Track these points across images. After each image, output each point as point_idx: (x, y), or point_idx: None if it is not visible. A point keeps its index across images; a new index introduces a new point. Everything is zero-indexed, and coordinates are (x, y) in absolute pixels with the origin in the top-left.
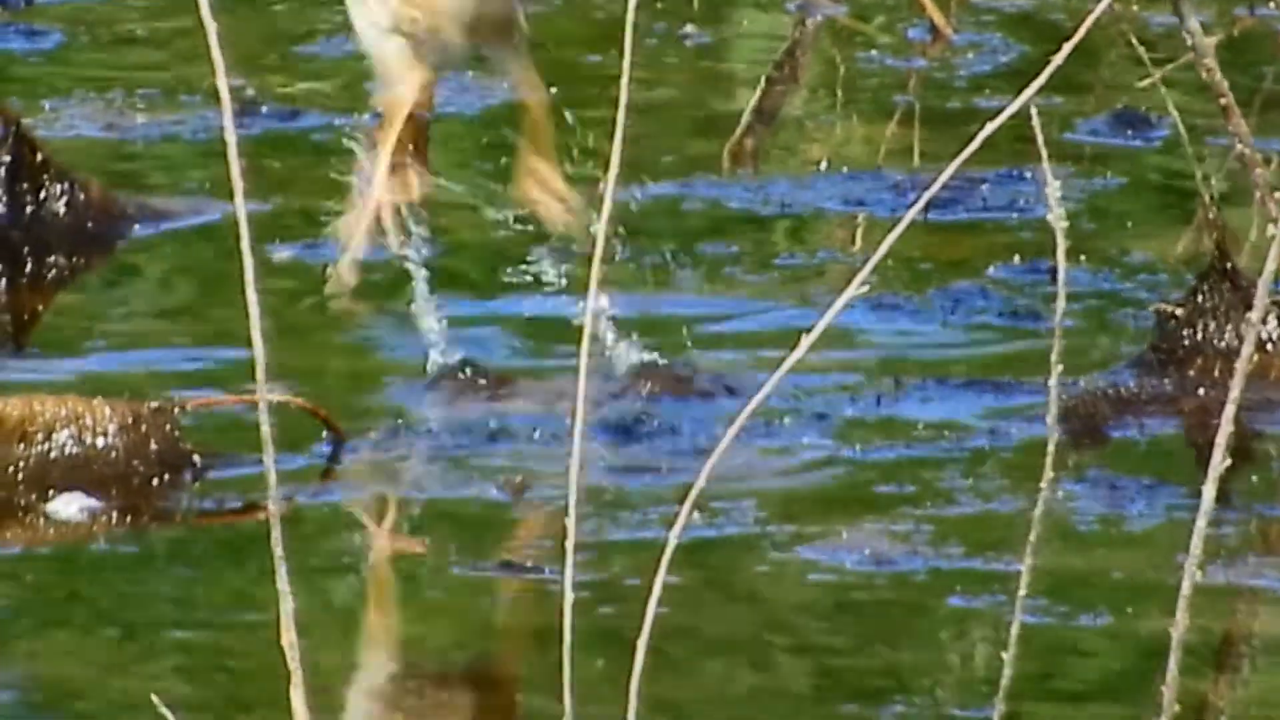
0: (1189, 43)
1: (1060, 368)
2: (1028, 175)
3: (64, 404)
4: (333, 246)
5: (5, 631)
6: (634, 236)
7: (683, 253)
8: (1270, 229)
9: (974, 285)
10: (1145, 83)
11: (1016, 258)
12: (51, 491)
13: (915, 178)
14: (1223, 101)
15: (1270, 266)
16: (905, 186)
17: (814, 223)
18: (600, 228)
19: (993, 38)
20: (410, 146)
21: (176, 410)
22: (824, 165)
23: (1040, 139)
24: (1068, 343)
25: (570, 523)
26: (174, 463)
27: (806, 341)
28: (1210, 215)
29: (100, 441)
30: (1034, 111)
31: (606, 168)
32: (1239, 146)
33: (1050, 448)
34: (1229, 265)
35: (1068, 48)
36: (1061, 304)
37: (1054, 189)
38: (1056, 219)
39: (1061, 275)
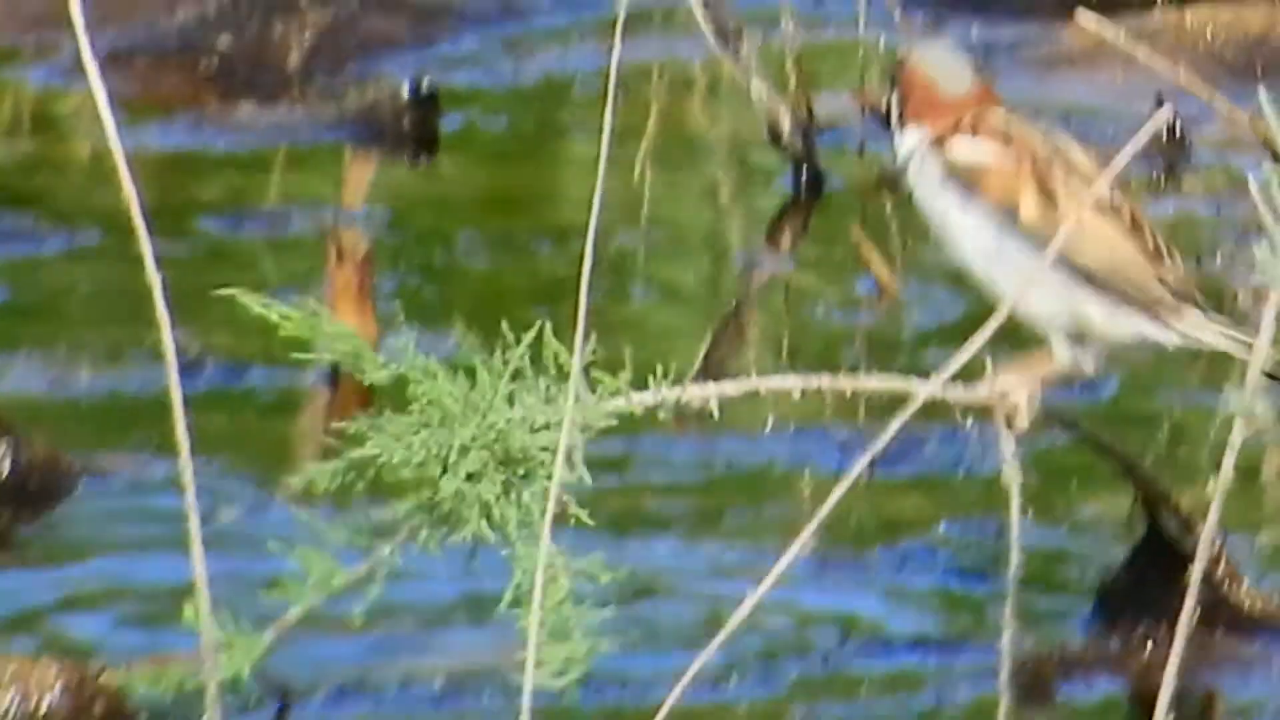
0: None
1: (1012, 627)
2: (972, 432)
3: (8, 665)
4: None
5: None
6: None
7: (629, 510)
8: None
9: (921, 543)
10: None
11: (963, 515)
12: None
13: (861, 434)
14: None
15: (1207, 534)
16: (851, 443)
17: (761, 479)
18: (556, 479)
19: (939, 292)
20: None
21: (121, 672)
22: (770, 422)
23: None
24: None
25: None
26: None
27: (752, 598)
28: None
29: (46, 703)
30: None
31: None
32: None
33: (1002, 708)
34: (1163, 528)
35: (1013, 298)
36: (1015, 561)
37: (1008, 447)
38: (1011, 477)
39: (1015, 534)
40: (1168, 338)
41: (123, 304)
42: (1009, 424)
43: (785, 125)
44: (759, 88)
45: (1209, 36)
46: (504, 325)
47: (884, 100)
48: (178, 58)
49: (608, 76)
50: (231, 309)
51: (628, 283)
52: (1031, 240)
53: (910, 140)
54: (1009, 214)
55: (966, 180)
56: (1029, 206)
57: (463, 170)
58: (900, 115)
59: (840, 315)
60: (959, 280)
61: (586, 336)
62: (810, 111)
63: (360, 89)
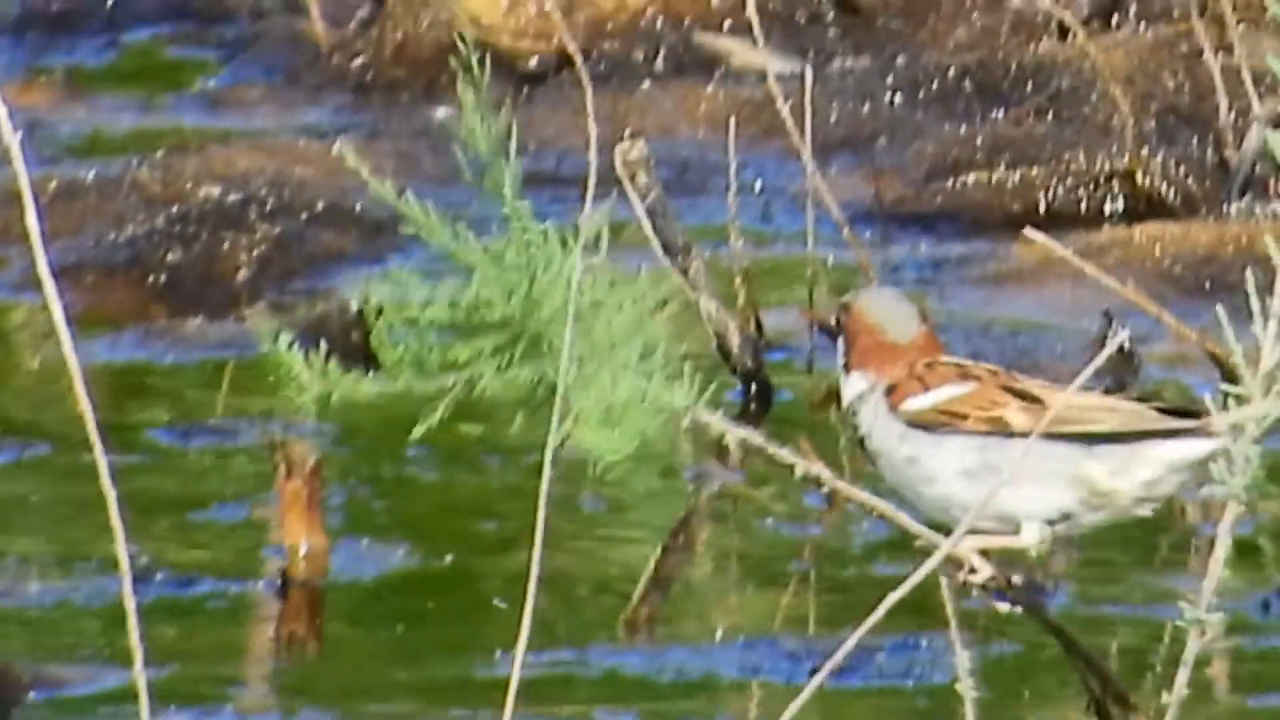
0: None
1: None
2: (923, 643)
3: None
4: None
5: None
6: (530, 704)
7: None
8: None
9: None
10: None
11: None
12: None
13: (811, 645)
14: None
15: None
16: (801, 654)
17: (711, 690)
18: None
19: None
20: None
21: None
22: (720, 633)
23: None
24: None
25: None
26: None
27: None
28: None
29: None
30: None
31: (513, 634)
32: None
33: None
34: None
35: (970, 516)
36: None
37: (963, 659)
38: (966, 689)
39: None
40: (1189, 450)
41: (73, 515)
42: (969, 572)
43: (734, 340)
44: (707, 303)
45: (1157, 253)
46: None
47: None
48: (127, 272)
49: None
50: (178, 521)
51: (578, 496)
52: (1025, 441)
53: (856, 386)
54: (996, 432)
55: (934, 423)
56: (1017, 416)
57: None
58: (846, 362)
59: (789, 527)
60: None
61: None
62: (758, 327)
63: (309, 303)
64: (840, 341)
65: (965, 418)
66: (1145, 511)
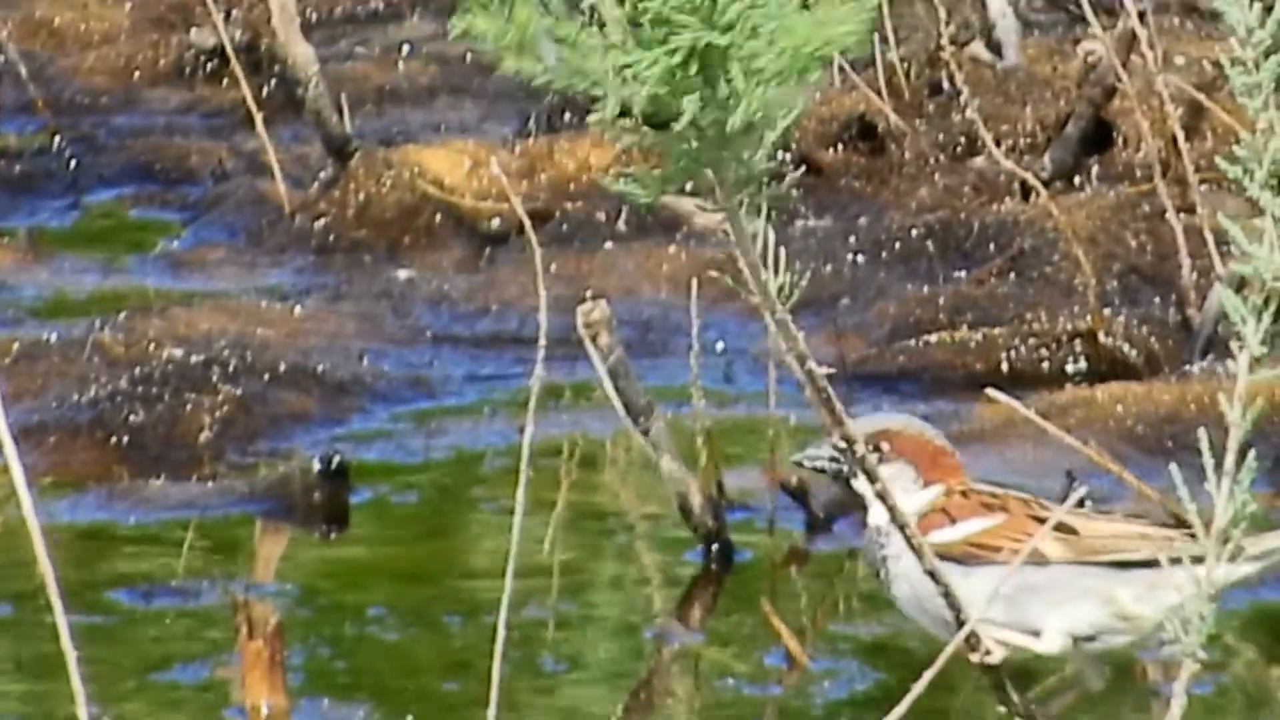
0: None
1: None
2: None
3: None
4: None
5: None
6: None
7: None
8: None
9: None
10: (1000, 710)
11: None
12: None
13: None
14: None
15: None
16: None
17: None
18: None
19: (850, 665)
20: None
21: None
22: None
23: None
24: None
25: None
26: None
27: None
28: None
29: None
30: None
31: None
32: None
33: None
34: None
35: (927, 676)
36: None
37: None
38: None
39: None
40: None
41: (35, 675)
42: (985, 654)
43: (695, 500)
44: (669, 463)
45: (1120, 413)
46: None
47: (864, 472)
48: (89, 433)
49: (519, 452)
50: (140, 682)
51: (538, 656)
52: (1059, 567)
53: (928, 495)
54: (1031, 562)
55: (964, 555)
56: (1052, 546)
57: (373, 544)
58: (921, 478)
59: (751, 687)
60: (870, 652)
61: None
62: (720, 487)
63: (271, 464)
64: (888, 467)
65: (998, 549)
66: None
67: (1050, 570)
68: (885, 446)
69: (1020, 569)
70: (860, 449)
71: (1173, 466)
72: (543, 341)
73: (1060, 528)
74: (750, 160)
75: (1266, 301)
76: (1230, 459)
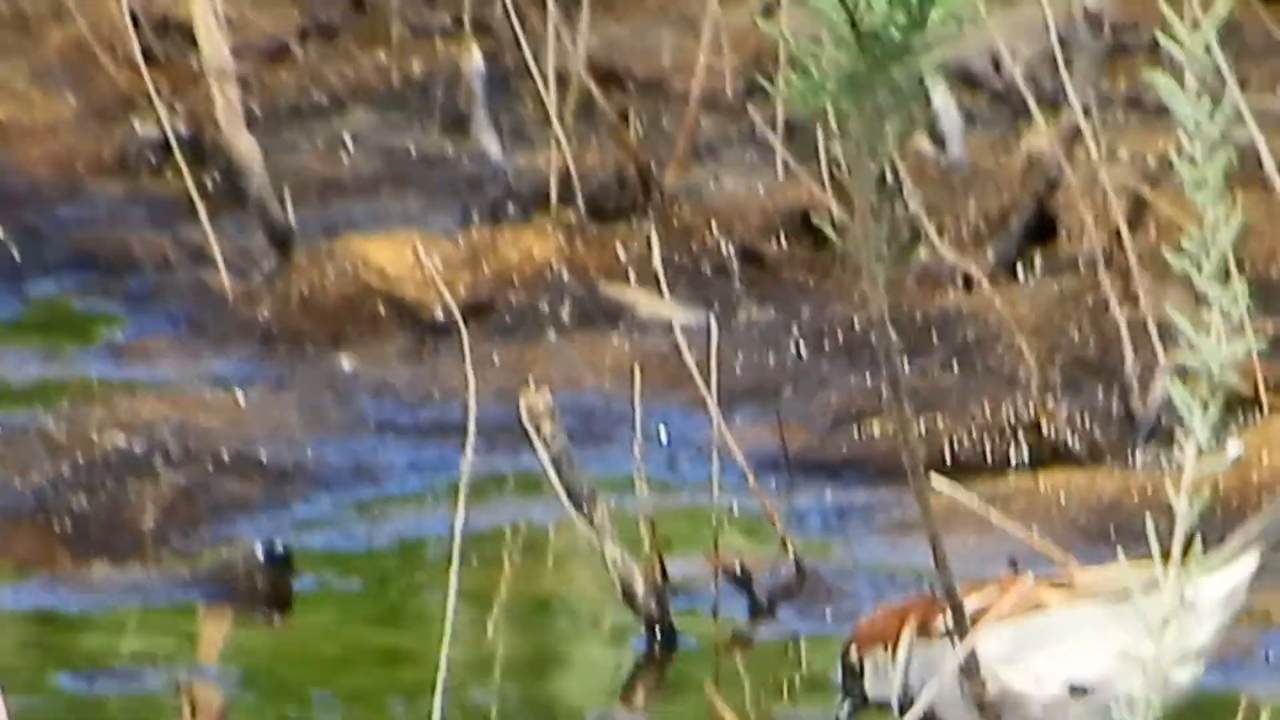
0: None
1: None
2: None
3: None
4: None
5: None
6: None
7: None
8: None
9: None
10: None
11: None
12: None
13: None
14: None
15: None
16: None
17: None
18: None
19: None
20: None
21: None
22: None
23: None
24: None
25: None
26: None
27: None
28: None
29: None
30: None
31: None
32: None
33: None
34: None
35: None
36: None
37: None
38: None
39: None
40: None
41: None
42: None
43: (638, 587)
44: (612, 550)
45: (1063, 501)
46: None
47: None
48: (32, 519)
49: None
50: None
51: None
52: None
53: (903, 646)
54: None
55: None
56: (1051, 595)
57: (317, 630)
58: (889, 644)
59: None
60: None
61: None
62: (663, 573)
63: (214, 550)
64: (872, 659)
65: (1003, 614)
66: (1185, 677)
67: (1052, 617)
68: (855, 654)
69: (1019, 623)
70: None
71: (1119, 551)
72: (472, 430)
73: (1056, 583)
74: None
75: (1214, 392)
76: (1176, 547)
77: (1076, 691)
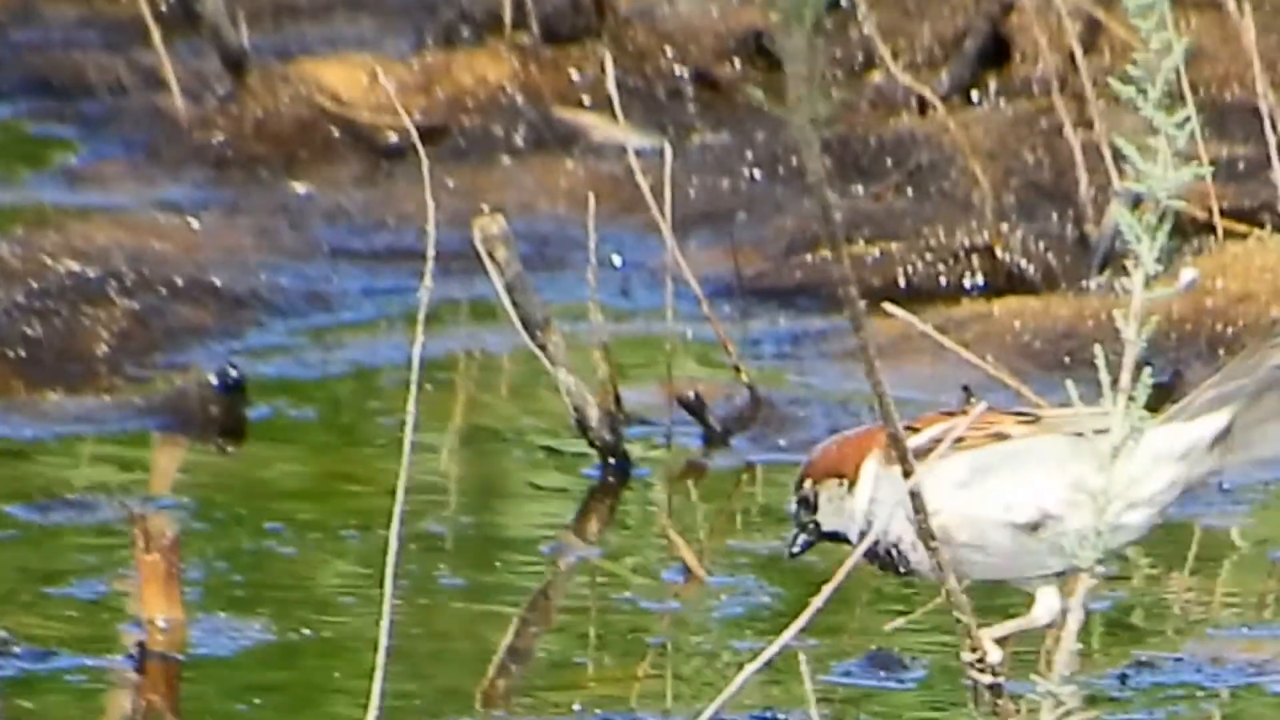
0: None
1: None
2: (783, 717)
3: None
4: None
5: None
6: None
7: None
8: None
9: None
10: (897, 624)
11: None
12: None
13: (668, 719)
14: None
15: None
16: None
17: None
18: None
19: (747, 580)
20: None
21: None
22: (577, 707)
23: (807, 684)
24: None
25: None
26: None
27: None
28: None
29: None
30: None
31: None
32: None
33: None
34: None
35: (827, 590)
36: None
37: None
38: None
39: None
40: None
41: None
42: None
43: (593, 415)
44: (566, 378)
45: (1017, 328)
46: None
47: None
48: None
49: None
50: (36, 595)
51: (435, 570)
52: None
53: (865, 479)
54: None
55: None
56: (1017, 428)
57: (270, 459)
58: (847, 478)
59: (648, 602)
60: (768, 567)
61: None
62: (618, 401)
63: (168, 378)
64: (827, 491)
65: (963, 440)
66: (1136, 518)
67: (1014, 446)
68: (809, 487)
69: (978, 454)
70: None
71: (1069, 382)
72: (432, 256)
73: (1021, 416)
74: None
75: (1161, 220)
76: (1125, 375)
77: (1026, 526)
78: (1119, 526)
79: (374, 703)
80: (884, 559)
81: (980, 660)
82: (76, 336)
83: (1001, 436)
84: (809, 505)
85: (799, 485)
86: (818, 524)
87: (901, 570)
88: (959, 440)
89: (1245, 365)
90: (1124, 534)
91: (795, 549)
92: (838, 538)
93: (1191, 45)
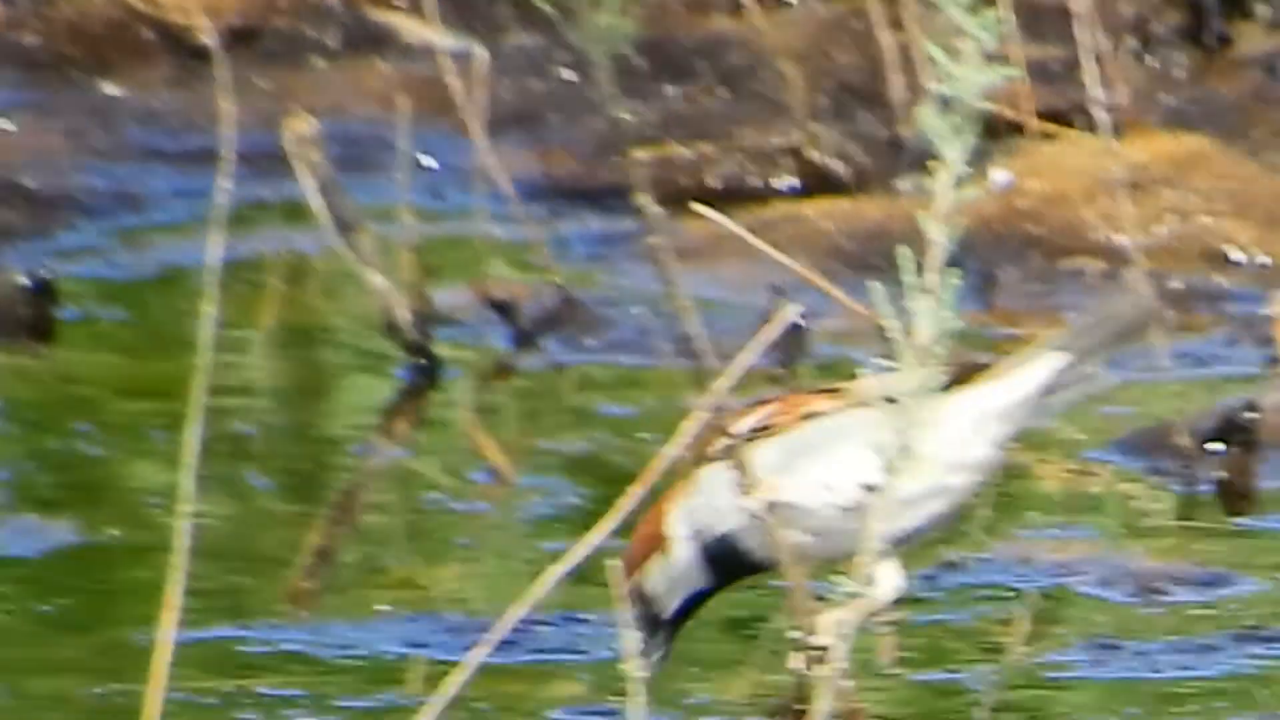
0: None
1: None
2: (589, 618)
3: None
4: None
5: None
6: (189, 679)
7: (241, 694)
8: None
9: None
10: None
11: (577, 699)
12: None
13: (475, 620)
14: None
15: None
16: (465, 629)
17: (373, 666)
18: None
19: (556, 481)
20: None
21: None
22: (384, 607)
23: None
24: None
25: None
26: None
27: None
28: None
29: None
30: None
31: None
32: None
33: None
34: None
35: (634, 491)
36: None
37: (630, 637)
38: (634, 668)
39: None
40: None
41: None
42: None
43: (402, 316)
44: (376, 279)
45: (828, 229)
46: None
47: None
48: None
49: (226, 268)
50: None
51: (241, 469)
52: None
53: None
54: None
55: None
56: (826, 404)
57: (81, 360)
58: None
59: (457, 503)
60: (577, 468)
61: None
62: (427, 302)
63: None
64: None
65: (776, 427)
66: (957, 480)
67: (824, 424)
68: (635, 582)
69: (796, 433)
70: None
71: (875, 283)
72: (233, 156)
73: (829, 391)
74: None
75: (968, 121)
76: (929, 276)
77: (850, 505)
78: (942, 489)
79: (172, 602)
80: (721, 572)
81: (813, 648)
82: None
83: (812, 416)
84: (643, 598)
85: (627, 590)
86: (659, 611)
87: (746, 573)
88: (768, 428)
89: (1080, 326)
90: (948, 497)
91: (659, 655)
92: (701, 596)
93: None
